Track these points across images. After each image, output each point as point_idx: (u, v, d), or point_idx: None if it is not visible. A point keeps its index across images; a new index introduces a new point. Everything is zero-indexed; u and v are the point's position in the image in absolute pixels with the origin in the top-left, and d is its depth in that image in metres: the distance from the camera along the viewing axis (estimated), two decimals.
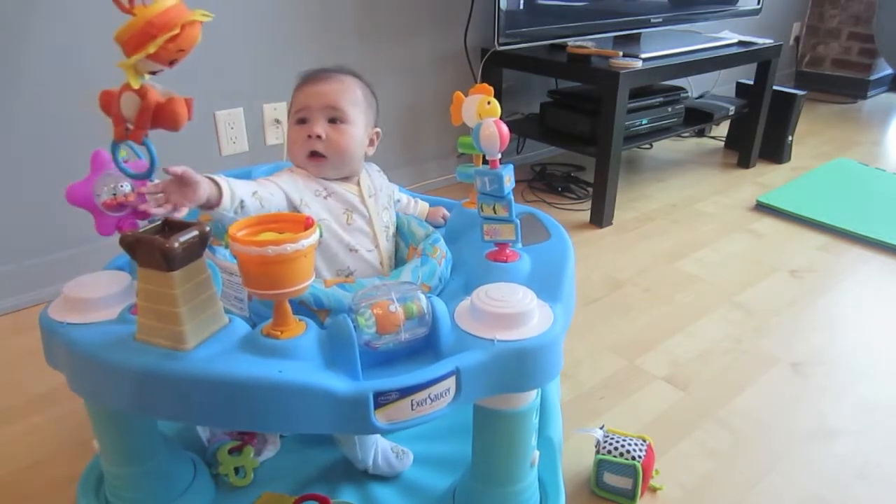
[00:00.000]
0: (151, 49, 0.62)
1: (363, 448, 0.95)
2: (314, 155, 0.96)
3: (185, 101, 0.67)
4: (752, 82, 2.51)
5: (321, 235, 0.71)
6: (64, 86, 1.51)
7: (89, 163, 0.80)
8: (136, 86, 0.64)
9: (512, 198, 0.87)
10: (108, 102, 0.66)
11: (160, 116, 0.66)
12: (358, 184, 1.01)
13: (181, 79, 1.66)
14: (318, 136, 0.95)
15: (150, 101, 0.65)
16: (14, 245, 1.55)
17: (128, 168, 0.73)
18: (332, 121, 0.96)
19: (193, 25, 0.64)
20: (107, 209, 0.77)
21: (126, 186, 0.76)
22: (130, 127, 0.67)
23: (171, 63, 0.65)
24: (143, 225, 0.80)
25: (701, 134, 2.92)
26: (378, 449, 0.97)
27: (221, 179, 0.83)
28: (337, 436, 0.96)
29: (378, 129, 1.04)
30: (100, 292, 0.79)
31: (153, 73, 0.66)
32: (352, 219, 0.97)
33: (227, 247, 0.82)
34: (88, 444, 0.87)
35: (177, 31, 0.62)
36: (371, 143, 1.03)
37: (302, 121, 0.97)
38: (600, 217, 2.05)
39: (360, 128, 0.98)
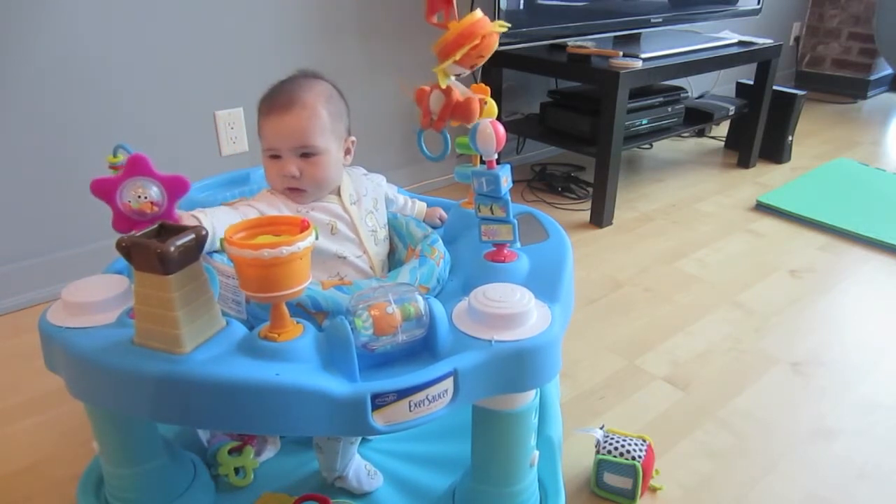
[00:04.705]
0: (457, 56, 0.76)
1: (344, 458, 0.95)
2: (292, 189, 0.96)
3: (480, 101, 0.80)
4: (752, 82, 2.51)
5: (317, 238, 0.71)
6: (65, 87, 1.51)
7: (126, 164, 0.80)
8: (443, 86, 0.78)
9: (509, 198, 0.86)
10: (421, 97, 0.81)
11: (458, 112, 0.79)
12: (339, 193, 1.00)
13: (183, 79, 1.67)
14: (294, 176, 0.94)
15: (452, 98, 0.79)
16: (13, 246, 1.55)
17: (428, 151, 0.85)
18: (305, 155, 0.95)
19: (492, 35, 0.76)
20: (126, 211, 0.78)
21: (154, 193, 0.76)
22: (434, 118, 0.81)
23: (472, 67, 0.79)
24: None
25: (701, 134, 2.91)
26: (352, 464, 0.96)
27: (205, 219, 0.83)
28: (318, 443, 0.94)
29: (353, 138, 1.02)
30: (98, 296, 0.79)
31: (457, 75, 0.79)
32: (336, 228, 0.96)
33: (223, 250, 0.82)
34: (88, 445, 0.87)
35: (478, 41, 0.75)
36: (347, 152, 1.01)
37: (274, 156, 0.95)
38: (600, 217, 2.05)
39: (333, 152, 0.96)
